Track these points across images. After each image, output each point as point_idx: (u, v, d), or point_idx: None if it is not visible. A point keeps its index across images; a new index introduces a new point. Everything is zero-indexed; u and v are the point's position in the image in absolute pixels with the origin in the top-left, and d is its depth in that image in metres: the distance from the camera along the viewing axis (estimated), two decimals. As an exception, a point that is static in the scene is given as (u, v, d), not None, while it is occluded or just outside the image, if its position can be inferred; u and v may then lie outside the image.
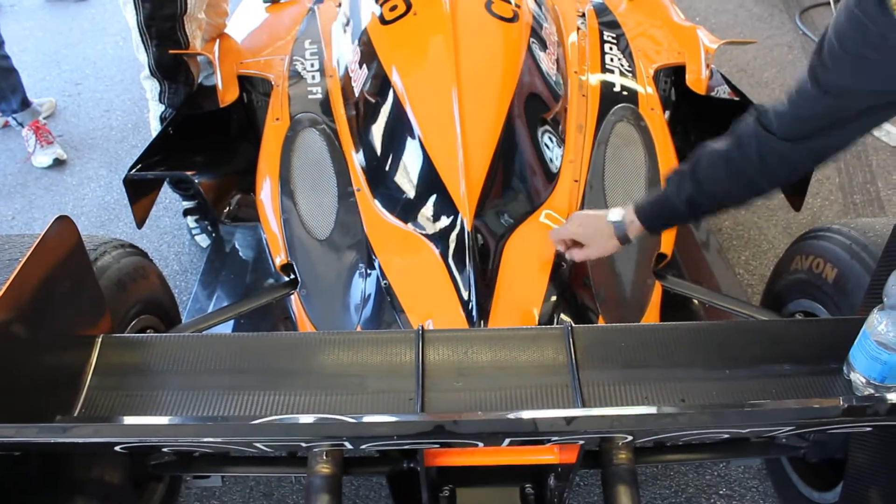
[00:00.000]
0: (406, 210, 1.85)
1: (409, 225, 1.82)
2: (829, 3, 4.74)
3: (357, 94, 2.17)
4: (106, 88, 4.07)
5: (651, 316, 1.79)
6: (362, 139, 2.08)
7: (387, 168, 1.95)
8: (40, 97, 3.77)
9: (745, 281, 2.69)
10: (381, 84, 2.07)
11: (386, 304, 1.66)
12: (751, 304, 1.94)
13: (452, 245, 1.70)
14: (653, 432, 1.15)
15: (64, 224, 1.29)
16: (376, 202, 1.91)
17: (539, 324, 1.61)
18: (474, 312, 1.54)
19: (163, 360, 1.35)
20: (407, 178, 1.89)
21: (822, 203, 3.11)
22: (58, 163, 3.43)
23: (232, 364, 1.33)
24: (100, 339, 1.37)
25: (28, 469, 1.24)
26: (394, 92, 2.00)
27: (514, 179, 1.89)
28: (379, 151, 2.00)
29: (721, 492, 1.97)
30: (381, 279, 1.73)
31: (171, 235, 2.97)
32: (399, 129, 1.97)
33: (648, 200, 1.55)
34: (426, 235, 1.77)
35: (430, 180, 1.81)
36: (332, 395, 1.26)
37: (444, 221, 1.75)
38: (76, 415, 1.26)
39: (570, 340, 1.30)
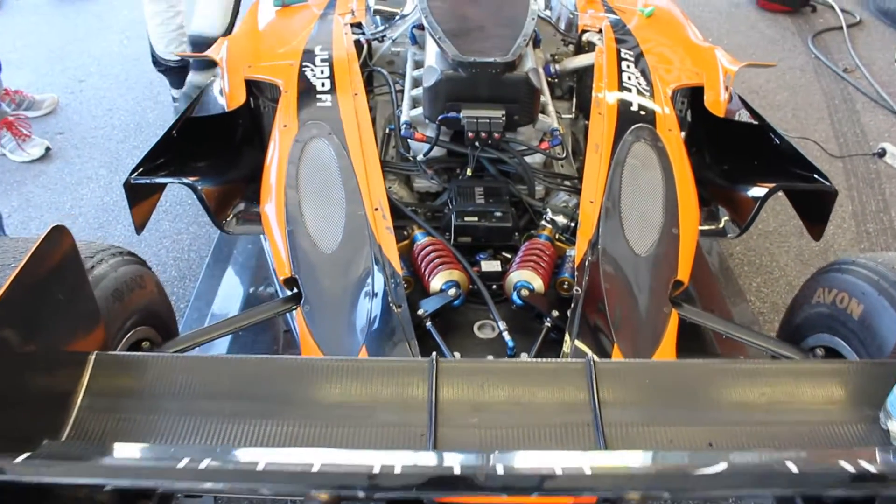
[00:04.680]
0: None
1: None
2: (841, 28, 4.70)
3: None
4: (109, 86, 4.00)
5: (667, 345, 1.71)
6: None
7: None
8: (42, 93, 3.70)
9: (756, 308, 2.63)
10: None
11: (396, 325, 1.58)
12: (769, 336, 1.88)
13: None
14: (690, 490, 1.06)
15: (59, 234, 1.22)
16: None
17: None
18: None
19: (159, 381, 1.27)
20: None
21: (834, 231, 3.06)
22: (47, 151, 3.35)
23: (233, 389, 1.26)
24: (93, 357, 1.29)
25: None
26: None
27: None
28: None
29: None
30: None
31: (171, 240, 2.90)
32: None
33: None
34: None
35: None
36: (338, 426, 1.18)
37: None
38: (64, 438, 1.18)
39: (593, 376, 1.23)
